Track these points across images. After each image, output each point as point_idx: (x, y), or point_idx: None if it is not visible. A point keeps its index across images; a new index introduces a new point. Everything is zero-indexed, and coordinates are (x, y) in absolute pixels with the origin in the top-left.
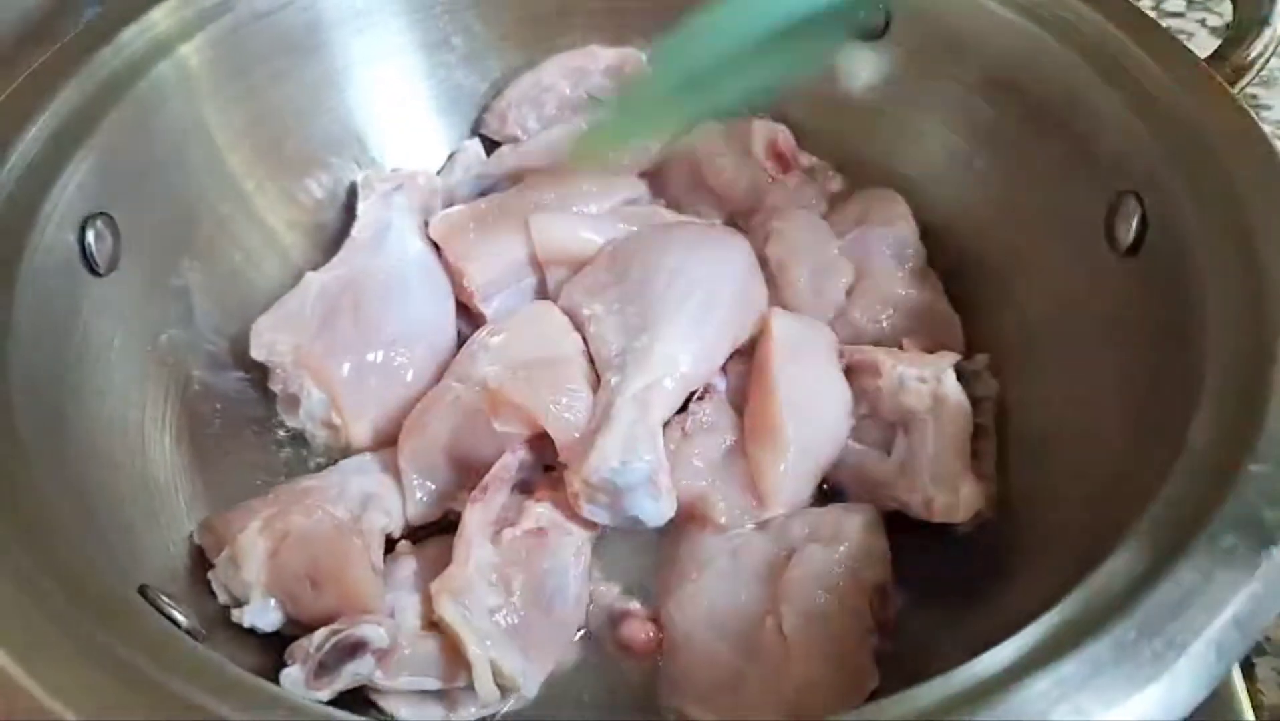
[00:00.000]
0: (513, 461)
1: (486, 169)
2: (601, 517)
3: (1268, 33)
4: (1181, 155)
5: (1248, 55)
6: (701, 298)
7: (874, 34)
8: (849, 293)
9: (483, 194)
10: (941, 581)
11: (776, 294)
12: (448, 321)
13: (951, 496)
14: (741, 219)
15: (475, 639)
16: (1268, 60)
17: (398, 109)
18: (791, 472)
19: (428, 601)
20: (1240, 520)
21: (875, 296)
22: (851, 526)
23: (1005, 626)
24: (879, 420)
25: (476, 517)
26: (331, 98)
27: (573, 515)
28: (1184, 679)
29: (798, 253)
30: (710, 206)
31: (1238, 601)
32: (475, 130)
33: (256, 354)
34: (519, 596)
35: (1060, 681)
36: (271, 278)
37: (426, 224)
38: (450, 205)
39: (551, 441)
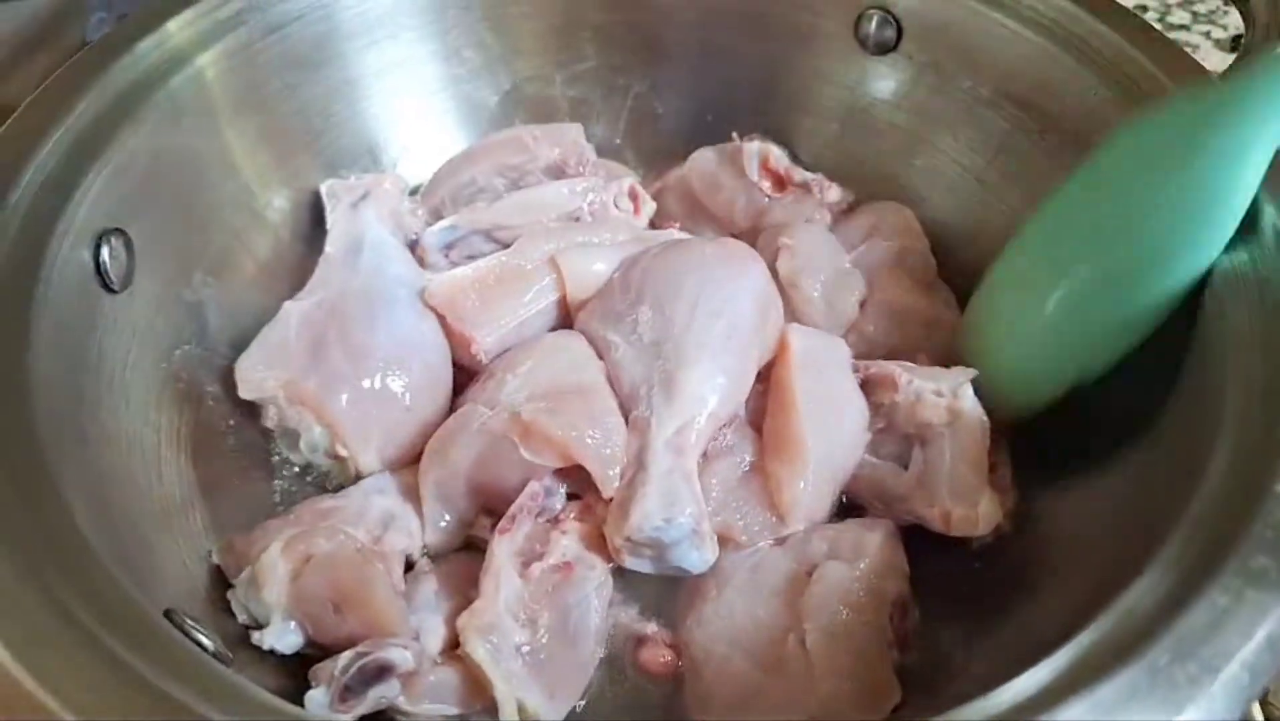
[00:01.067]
0: (539, 490)
1: (459, 221)
2: (645, 568)
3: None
4: None
5: None
6: (724, 326)
7: (885, 48)
8: (861, 305)
9: (452, 245)
10: (962, 595)
11: (789, 309)
12: (436, 335)
13: (970, 510)
14: (744, 240)
15: (503, 677)
16: None
17: (409, 121)
18: (811, 487)
19: (451, 622)
20: (1270, 541)
21: (887, 309)
22: (871, 542)
23: (1027, 642)
24: (895, 434)
25: (504, 550)
26: (344, 110)
27: (598, 546)
28: (1219, 702)
29: (809, 267)
30: (711, 231)
31: (1270, 622)
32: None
33: (245, 393)
34: (545, 631)
35: (1096, 706)
36: (283, 291)
37: (414, 242)
38: (435, 222)
39: (577, 469)
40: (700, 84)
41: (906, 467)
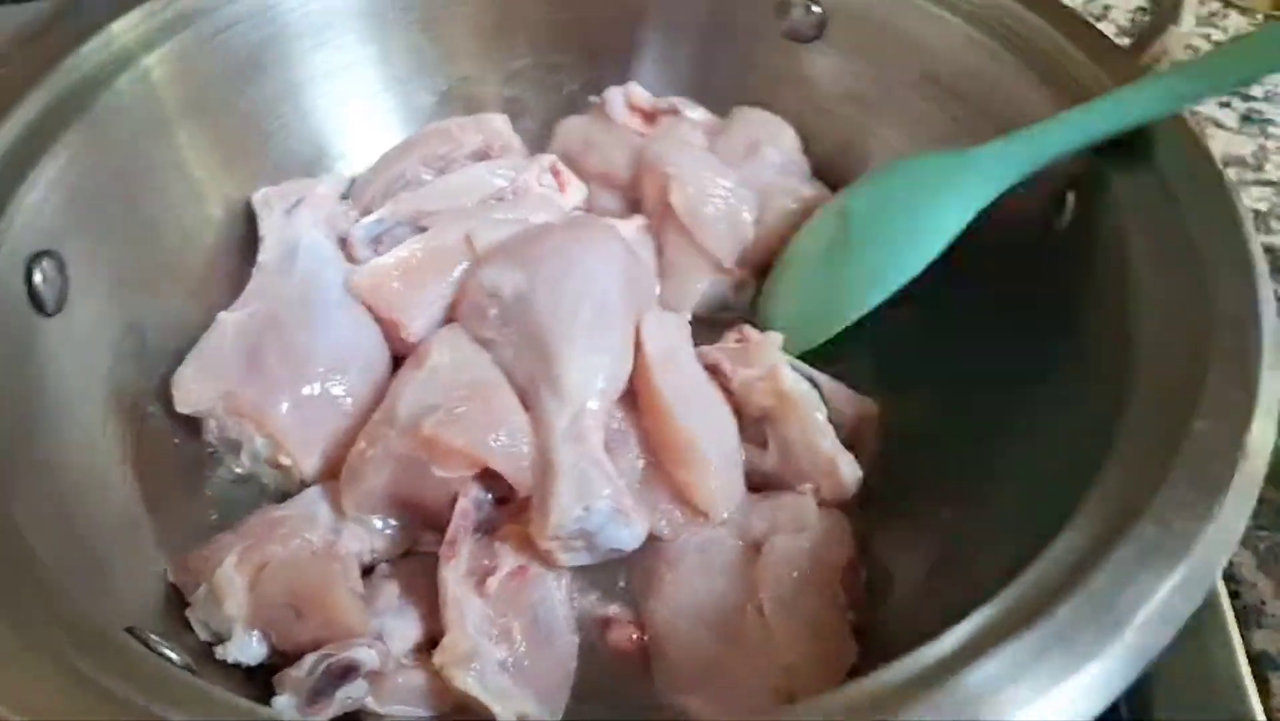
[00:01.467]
0: (468, 507)
1: (385, 214)
2: (583, 560)
3: (1173, 29)
4: (1114, 145)
5: (1155, 50)
6: (591, 305)
7: (811, 36)
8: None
9: (379, 238)
10: (910, 554)
11: (690, 239)
12: (375, 338)
13: (833, 479)
14: (633, 189)
15: (497, 699)
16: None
17: (355, 123)
18: (721, 481)
19: (416, 623)
20: (1176, 501)
21: (781, 217)
22: (810, 513)
23: (976, 590)
24: (745, 417)
25: (454, 575)
26: (290, 111)
27: None
28: (1118, 660)
29: (701, 194)
30: (610, 193)
31: (1166, 586)
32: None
33: (182, 407)
34: (521, 639)
35: (1004, 663)
36: (221, 304)
37: (344, 242)
38: (365, 216)
39: (490, 471)
40: (634, 80)
41: (766, 447)
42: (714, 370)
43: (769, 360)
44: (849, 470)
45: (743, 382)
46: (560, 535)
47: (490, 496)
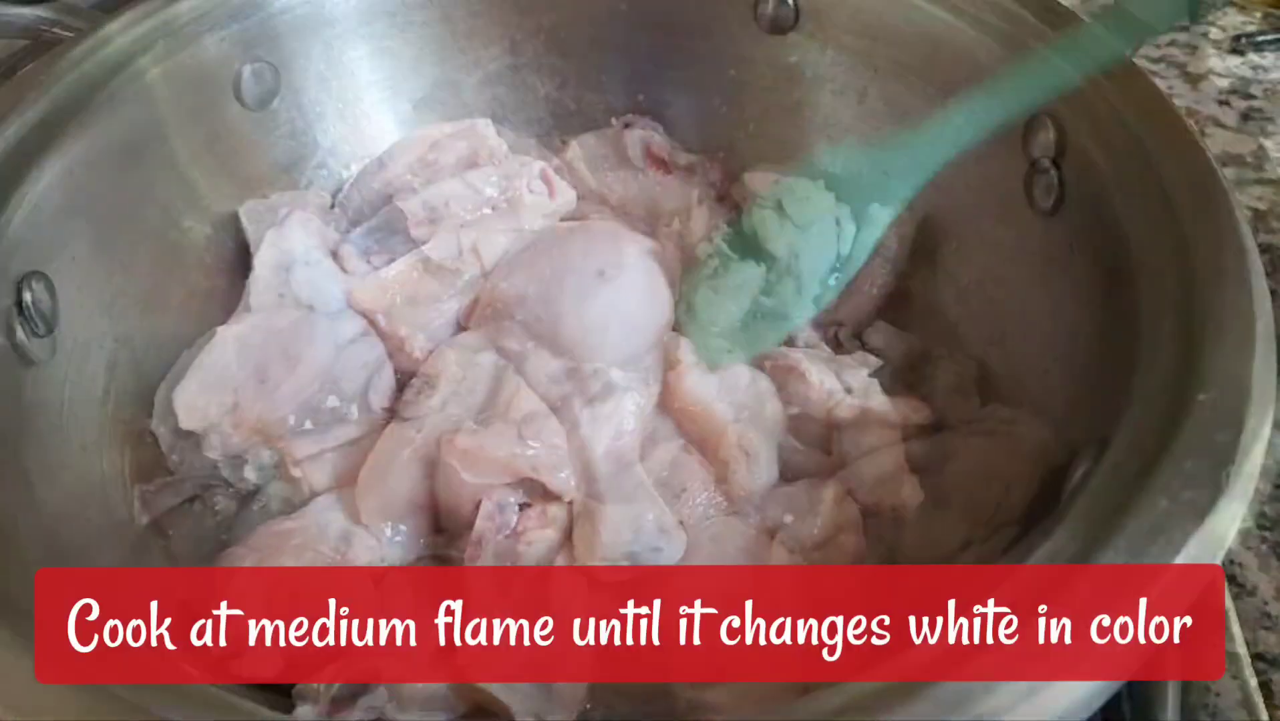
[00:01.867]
0: (493, 510)
1: (377, 224)
2: (624, 575)
3: None
4: (1091, 119)
5: None
6: (621, 321)
7: (785, 27)
8: None
9: (371, 250)
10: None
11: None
12: (377, 349)
13: (896, 497)
14: (644, 224)
15: (518, 701)
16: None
17: (350, 126)
18: (764, 474)
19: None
20: (1187, 471)
21: None
22: (824, 499)
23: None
24: (812, 420)
25: (479, 576)
26: (282, 113)
27: (564, 547)
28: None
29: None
30: (611, 212)
31: (1166, 576)
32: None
33: (187, 424)
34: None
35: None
36: (213, 317)
37: (334, 253)
38: (355, 227)
39: (524, 478)
40: (610, 78)
41: (829, 452)
42: (788, 371)
43: (862, 376)
44: (911, 491)
45: (827, 392)
46: (609, 556)
47: (514, 500)
